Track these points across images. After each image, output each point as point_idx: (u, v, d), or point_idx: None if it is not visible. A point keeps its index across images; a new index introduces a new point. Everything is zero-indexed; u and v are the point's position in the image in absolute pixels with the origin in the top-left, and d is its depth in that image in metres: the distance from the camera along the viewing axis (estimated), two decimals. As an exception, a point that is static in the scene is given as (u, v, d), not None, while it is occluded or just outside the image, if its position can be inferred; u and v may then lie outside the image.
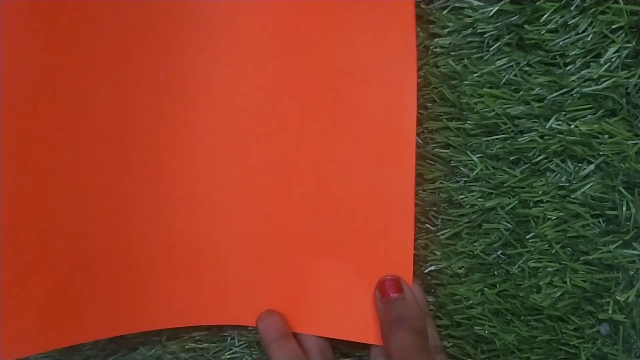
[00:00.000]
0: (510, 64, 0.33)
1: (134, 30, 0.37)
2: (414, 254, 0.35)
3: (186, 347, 0.41)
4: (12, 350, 0.37)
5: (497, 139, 0.34)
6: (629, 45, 0.30)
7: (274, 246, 0.37)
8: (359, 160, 0.35)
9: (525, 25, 0.32)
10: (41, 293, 0.38)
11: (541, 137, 0.32)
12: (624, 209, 0.30)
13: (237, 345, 0.40)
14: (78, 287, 0.38)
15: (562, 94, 0.32)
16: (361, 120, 0.35)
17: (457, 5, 0.33)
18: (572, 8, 0.31)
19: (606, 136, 0.31)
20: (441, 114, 0.35)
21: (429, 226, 0.35)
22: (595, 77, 0.31)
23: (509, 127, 0.33)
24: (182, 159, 0.38)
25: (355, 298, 0.34)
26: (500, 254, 0.33)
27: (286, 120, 0.37)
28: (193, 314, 0.38)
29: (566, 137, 0.31)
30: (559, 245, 0.32)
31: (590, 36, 0.31)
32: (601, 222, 0.31)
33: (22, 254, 0.38)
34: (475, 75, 0.34)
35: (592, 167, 0.31)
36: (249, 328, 0.40)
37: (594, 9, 0.31)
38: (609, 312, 0.30)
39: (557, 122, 0.32)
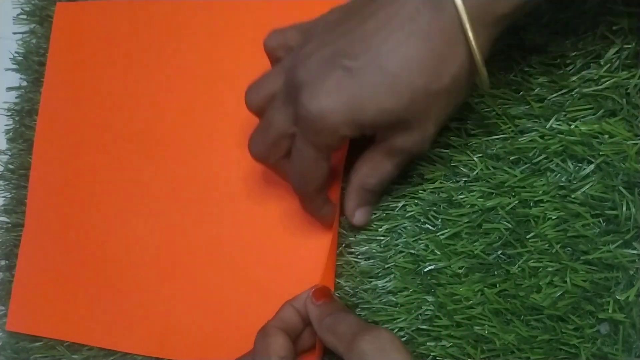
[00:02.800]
0: (511, 64, 0.33)
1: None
2: (415, 253, 0.35)
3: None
4: (18, 324, 0.43)
5: (497, 139, 0.34)
6: (629, 46, 0.30)
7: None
8: None
9: (526, 26, 0.32)
10: (54, 284, 0.43)
11: (541, 137, 0.32)
12: (624, 208, 0.30)
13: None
14: (86, 290, 0.42)
15: (562, 94, 0.32)
16: None
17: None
18: (572, 9, 0.32)
19: (606, 136, 0.31)
20: (441, 113, 0.35)
21: (429, 226, 0.35)
22: (595, 77, 0.31)
23: (509, 127, 0.33)
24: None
25: None
26: (500, 254, 0.33)
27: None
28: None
29: (566, 137, 0.32)
30: (559, 245, 0.32)
31: (591, 37, 0.32)
32: (601, 221, 0.31)
33: (42, 247, 0.44)
34: (476, 75, 0.34)
35: (592, 167, 0.31)
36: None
37: (594, 11, 0.31)
38: (609, 311, 0.30)
39: (558, 122, 0.32)
